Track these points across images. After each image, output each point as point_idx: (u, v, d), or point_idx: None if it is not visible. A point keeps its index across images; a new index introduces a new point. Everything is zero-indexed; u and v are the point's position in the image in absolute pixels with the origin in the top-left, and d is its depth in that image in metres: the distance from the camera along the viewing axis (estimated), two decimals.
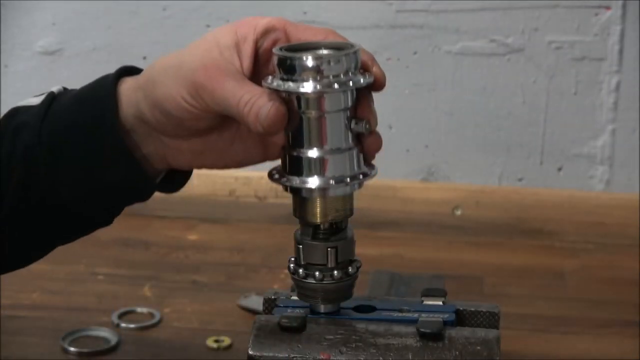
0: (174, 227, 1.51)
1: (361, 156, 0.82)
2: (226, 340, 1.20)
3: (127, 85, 0.84)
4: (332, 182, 0.80)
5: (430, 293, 0.89)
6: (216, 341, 1.20)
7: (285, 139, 0.80)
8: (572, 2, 1.55)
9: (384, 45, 1.60)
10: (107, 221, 0.89)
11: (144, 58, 1.61)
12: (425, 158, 1.63)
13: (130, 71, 0.86)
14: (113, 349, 1.19)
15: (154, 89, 0.82)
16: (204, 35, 0.83)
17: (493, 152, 1.62)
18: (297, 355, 0.81)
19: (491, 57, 1.58)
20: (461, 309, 0.87)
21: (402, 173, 1.64)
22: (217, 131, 0.84)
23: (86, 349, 1.18)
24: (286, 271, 0.87)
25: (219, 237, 1.47)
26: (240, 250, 1.44)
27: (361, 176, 0.81)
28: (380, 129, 1.74)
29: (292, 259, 0.84)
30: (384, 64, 1.67)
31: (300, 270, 0.83)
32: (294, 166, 0.80)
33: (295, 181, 0.80)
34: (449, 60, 1.59)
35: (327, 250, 0.82)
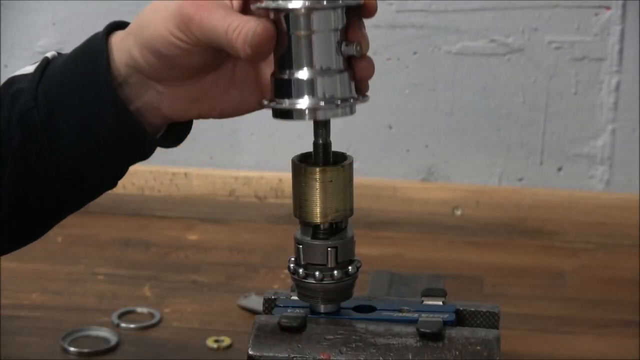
0: (174, 227, 1.51)
1: (353, 83, 0.81)
2: (226, 340, 1.20)
3: (117, 36, 0.85)
4: (322, 103, 0.79)
5: (430, 293, 0.89)
6: (216, 341, 1.20)
7: (275, 63, 0.80)
8: (572, 2, 1.55)
9: (384, 45, 1.60)
10: (111, 183, 0.89)
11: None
12: (425, 158, 1.63)
13: (121, 25, 0.86)
14: (113, 349, 1.19)
15: (143, 30, 0.82)
16: None
17: (493, 152, 1.62)
18: (297, 355, 0.81)
19: (491, 57, 1.58)
20: (461, 309, 0.87)
21: (402, 173, 1.64)
22: (211, 76, 0.84)
23: (86, 349, 1.18)
24: (286, 271, 0.87)
25: (219, 237, 1.47)
26: (240, 250, 1.44)
27: (352, 100, 0.80)
28: (380, 129, 1.75)
29: (292, 259, 0.84)
30: (384, 64, 1.68)
31: (301, 270, 0.83)
32: (284, 89, 0.79)
33: (285, 103, 0.79)
34: (449, 60, 1.59)
35: (328, 250, 0.82)
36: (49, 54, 0.88)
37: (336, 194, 0.81)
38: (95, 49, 0.84)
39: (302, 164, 0.81)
